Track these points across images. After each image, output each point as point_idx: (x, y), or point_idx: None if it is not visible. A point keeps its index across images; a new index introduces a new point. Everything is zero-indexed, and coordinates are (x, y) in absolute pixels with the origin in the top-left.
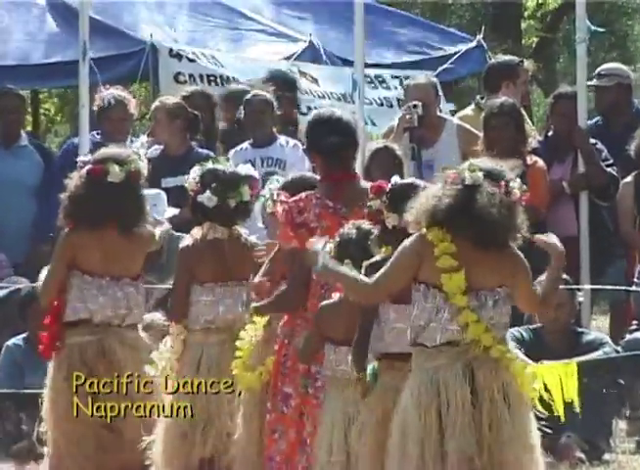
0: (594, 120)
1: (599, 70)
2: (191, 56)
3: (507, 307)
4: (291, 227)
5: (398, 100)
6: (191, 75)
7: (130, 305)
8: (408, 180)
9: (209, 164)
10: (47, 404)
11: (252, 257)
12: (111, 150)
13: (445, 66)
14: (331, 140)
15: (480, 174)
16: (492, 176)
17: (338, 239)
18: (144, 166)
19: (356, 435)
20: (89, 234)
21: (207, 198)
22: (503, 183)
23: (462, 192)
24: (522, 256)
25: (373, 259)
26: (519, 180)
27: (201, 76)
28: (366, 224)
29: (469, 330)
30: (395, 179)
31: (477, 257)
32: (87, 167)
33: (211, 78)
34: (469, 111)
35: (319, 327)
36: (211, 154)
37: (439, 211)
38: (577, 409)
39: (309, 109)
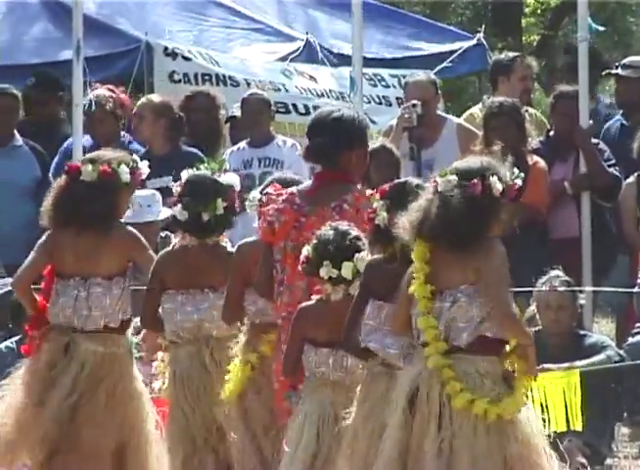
0: (614, 120)
1: (625, 61)
2: (186, 54)
3: (475, 304)
4: (259, 219)
5: (397, 98)
6: (185, 74)
7: (91, 306)
8: (402, 179)
9: (194, 171)
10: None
11: (227, 264)
12: (102, 151)
13: (445, 64)
14: (316, 140)
15: (452, 178)
16: (465, 175)
17: (315, 241)
18: (140, 168)
19: (329, 437)
20: (64, 234)
21: (179, 212)
22: (476, 181)
23: (432, 201)
24: (495, 254)
25: (372, 258)
26: (507, 173)
27: (195, 76)
28: (344, 225)
29: (423, 335)
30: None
31: (447, 258)
32: (66, 168)
33: (206, 78)
34: (476, 110)
35: (299, 329)
36: (198, 153)
37: (416, 225)
38: (579, 425)
39: (307, 108)
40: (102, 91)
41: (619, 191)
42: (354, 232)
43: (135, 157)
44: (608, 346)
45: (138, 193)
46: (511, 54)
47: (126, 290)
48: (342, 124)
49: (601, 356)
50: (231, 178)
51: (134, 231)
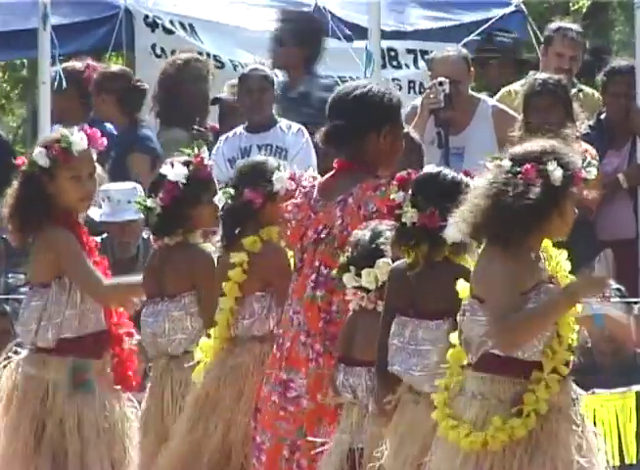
0: None
1: None
2: (168, 25)
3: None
4: None
5: (410, 82)
6: (162, 49)
7: (23, 321)
8: (434, 169)
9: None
10: None
11: (200, 268)
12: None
13: (475, 35)
14: (335, 122)
15: (505, 163)
16: (520, 160)
17: (355, 243)
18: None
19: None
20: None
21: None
22: (528, 166)
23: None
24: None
25: (395, 265)
26: (577, 160)
27: (173, 53)
28: (382, 224)
29: None
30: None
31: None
32: None
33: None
34: (516, 86)
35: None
36: (150, 135)
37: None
38: (634, 458)
39: None
40: (74, 64)
41: None
42: (389, 233)
43: (66, 132)
44: None
45: (116, 186)
46: (556, 24)
47: (56, 303)
48: (365, 103)
49: None
50: (170, 169)
51: (66, 233)
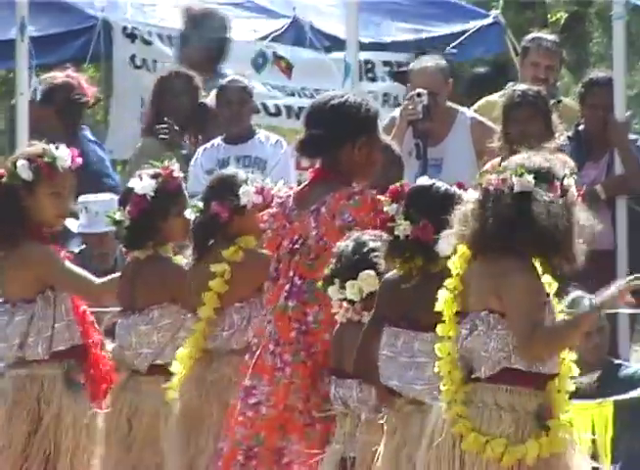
0: None
1: None
2: (146, 36)
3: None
4: None
5: (385, 95)
6: (144, 60)
7: (4, 336)
8: (427, 182)
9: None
10: None
11: (172, 281)
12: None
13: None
14: (311, 132)
15: (530, 177)
16: (542, 176)
17: (339, 254)
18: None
19: None
20: None
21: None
22: (558, 184)
23: (509, 205)
24: (522, 274)
25: (387, 276)
26: (574, 176)
27: (154, 62)
28: (365, 235)
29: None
30: (421, 180)
31: (483, 274)
32: None
33: (167, 65)
34: (495, 97)
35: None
36: (98, 151)
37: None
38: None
39: (277, 108)
40: (55, 75)
41: None
42: (373, 244)
43: (51, 147)
44: None
45: (94, 198)
46: (532, 34)
47: (43, 318)
48: (342, 114)
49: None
50: (138, 182)
51: (38, 246)
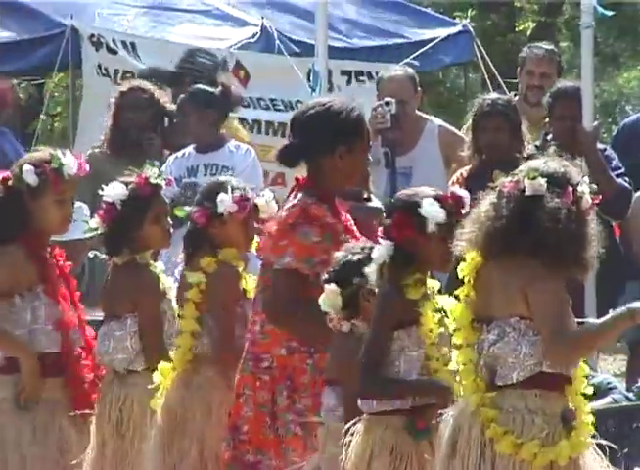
0: (635, 117)
1: None
2: (111, 45)
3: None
4: None
5: None
6: (106, 68)
7: None
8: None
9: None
10: None
11: (141, 289)
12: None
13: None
14: (292, 140)
15: (543, 181)
16: (556, 181)
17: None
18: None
19: None
20: None
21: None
22: (570, 189)
23: (519, 207)
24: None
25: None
26: (587, 183)
27: (116, 72)
28: (353, 245)
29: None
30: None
31: (502, 280)
32: None
33: (127, 76)
34: None
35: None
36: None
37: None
38: None
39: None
40: None
41: (629, 205)
42: (354, 256)
43: (58, 153)
44: (614, 387)
45: None
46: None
47: (6, 322)
48: (320, 121)
49: (606, 399)
50: (108, 190)
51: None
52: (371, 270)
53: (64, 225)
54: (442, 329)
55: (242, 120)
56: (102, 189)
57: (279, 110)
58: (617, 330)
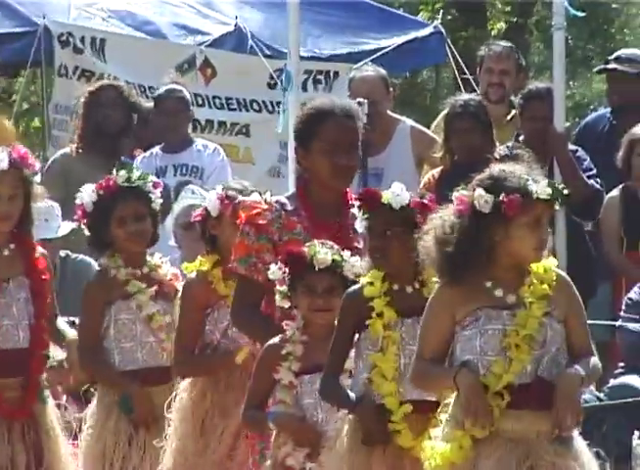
0: (601, 113)
1: (619, 53)
2: (79, 44)
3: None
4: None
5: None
6: (66, 67)
7: None
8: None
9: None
10: None
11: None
12: None
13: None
14: None
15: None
16: (490, 189)
17: None
18: None
19: None
20: None
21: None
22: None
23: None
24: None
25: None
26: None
27: (75, 69)
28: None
29: None
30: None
31: None
32: None
33: (87, 74)
34: None
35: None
36: None
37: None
38: None
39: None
40: None
41: (601, 207)
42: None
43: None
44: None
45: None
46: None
47: None
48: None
49: None
50: (82, 193)
51: None
52: None
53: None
54: None
55: (195, 121)
56: (73, 189)
57: (232, 109)
58: (447, 382)
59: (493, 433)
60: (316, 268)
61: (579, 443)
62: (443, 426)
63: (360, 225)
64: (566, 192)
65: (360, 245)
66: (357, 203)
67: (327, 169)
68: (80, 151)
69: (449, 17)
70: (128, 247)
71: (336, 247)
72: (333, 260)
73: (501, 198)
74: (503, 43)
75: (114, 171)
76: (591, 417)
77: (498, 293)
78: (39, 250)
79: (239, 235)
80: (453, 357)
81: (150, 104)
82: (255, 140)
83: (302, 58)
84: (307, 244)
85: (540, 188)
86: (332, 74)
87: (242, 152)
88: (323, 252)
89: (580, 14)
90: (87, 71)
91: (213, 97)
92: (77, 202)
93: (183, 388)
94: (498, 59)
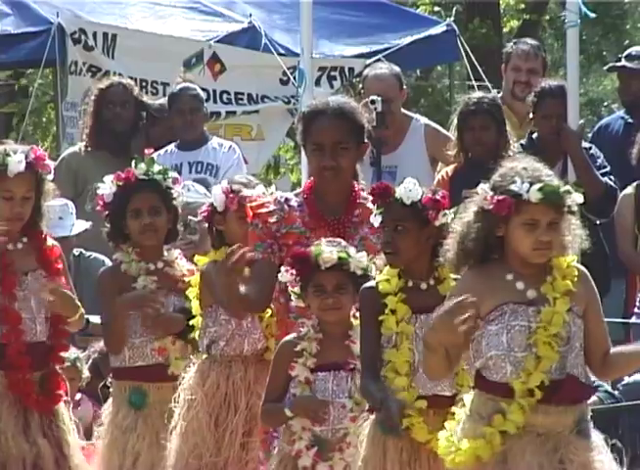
0: (615, 116)
1: (630, 51)
2: (90, 41)
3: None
4: None
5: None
6: (75, 63)
7: None
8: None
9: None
10: None
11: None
12: None
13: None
14: None
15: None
16: (494, 186)
17: None
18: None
19: None
20: None
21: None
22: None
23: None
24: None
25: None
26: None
27: (84, 65)
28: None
29: None
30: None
31: None
32: None
33: (93, 70)
34: None
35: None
36: None
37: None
38: None
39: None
40: None
41: (615, 204)
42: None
43: (3, 150)
44: (599, 386)
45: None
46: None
47: None
48: None
49: (592, 399)
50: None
51: None
52: None
53: (12, 222)
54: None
55: None
56: (82, 187)
57: (242, 104)
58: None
59: (523, 428)
60: (322, 267)
61: (597, 436)
62: (463, 421)
63: (375, 220)
64: (571, 196)
65: (356, 242)
66: (371, 197)
67: (314, 170)
68: (89, 149)
69: (461, 13)
70: (141, 240)
71: (343, 243)
72: (339, 258)
73: (491, 197)
74: (530, 41)
75: (133, 164)
76: (606, 417)
77: (519, 285)
78: (50, 240)
79: (250, 228)
80: (479, 351)
81: (159, 100)
82: (265, 118)
83: (315, 59)
84: (315, 243)
85: (532, 191)
86: (347, 70)
87: (255, 131)
88: (328, 250)
89: (592, 14)
90: (94, 67)
91: (221, 92)
92: (98, 193)
93: (194, 382)
94: (527, 58)
